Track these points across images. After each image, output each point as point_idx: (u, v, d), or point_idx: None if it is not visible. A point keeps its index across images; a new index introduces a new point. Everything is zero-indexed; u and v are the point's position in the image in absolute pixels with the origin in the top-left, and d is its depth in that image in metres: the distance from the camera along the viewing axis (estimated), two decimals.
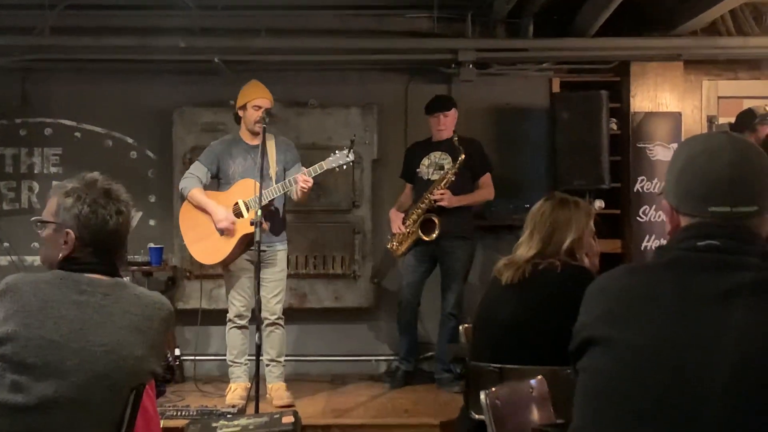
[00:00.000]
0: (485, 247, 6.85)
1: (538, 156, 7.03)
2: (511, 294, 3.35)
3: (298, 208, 6.38)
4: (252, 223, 5.29)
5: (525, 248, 3.44)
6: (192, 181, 5.80)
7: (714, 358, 1.75)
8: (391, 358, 6.79)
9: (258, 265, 5.19)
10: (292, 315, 6.38)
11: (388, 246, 6.35)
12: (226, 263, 5.80)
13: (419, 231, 6.13)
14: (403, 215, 6.25)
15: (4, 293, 2.49)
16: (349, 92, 7.00)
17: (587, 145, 6.55)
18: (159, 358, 2.60)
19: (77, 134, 7.08)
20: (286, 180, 5.68)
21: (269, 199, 5.60)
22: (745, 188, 1.87)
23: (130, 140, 7.11)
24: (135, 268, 6.54)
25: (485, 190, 6.36)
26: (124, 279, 2.65)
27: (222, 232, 5.70)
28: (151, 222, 7.04)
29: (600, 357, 1.88)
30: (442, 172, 6.22)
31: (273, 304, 5.82)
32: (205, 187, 5.82)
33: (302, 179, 5.56)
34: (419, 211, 6.14)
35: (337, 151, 5.64)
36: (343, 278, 6.90)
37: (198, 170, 5.85)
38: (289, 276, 6.16)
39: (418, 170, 6.32)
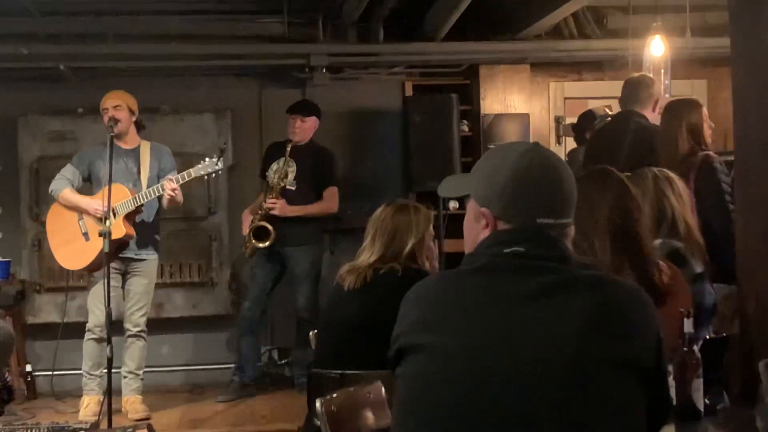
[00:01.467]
0: (341, 250, 6.89)
1: (393, 158, 7.12)
2: (352, 298, 3.39)
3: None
4: (101, 234, 5.20)
5: (367, 254, 3.49)
6: (61, 182, 5.73)
7: (522, 357, 1.82)
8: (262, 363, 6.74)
9: (108, 276, 5.11)
10: (148, 325, 6.29)
11: (242, 249, 6.36)
12: (90, 269, 5.70)
13: (252, 238, 6.13)
14: (251, 216, 6.23)
15: None
16: (203, 98, 6.94)
17: (439, 147, 6.66)
18: None
19: None
20: (153, 187, 5.61)
21: (135, 205, 5.52)
22: (569, 202, 1.96)
23: None
24: None
25: (326, 203, 6.37)
26: None
27: (87, 236, 5.60)
28: None
29: (415, 363, 1.92)
30: (285, 180, 6.22)
31: (137, 317, 5.74)
32: (78, 191, 5.74)
33: (170, 187, 5.51)
34: (257, 217, 6.14)
35: (207, 159, 5.61)
36: (200, 286, 6.84)
37: (69, 172, 5.78)
38: None
39: (267, 174, 6.29)
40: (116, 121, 5.60)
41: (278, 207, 6.11)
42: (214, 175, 5.70)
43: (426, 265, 3.53)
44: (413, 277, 3.28)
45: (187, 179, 5.60)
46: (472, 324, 1.88)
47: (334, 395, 2.70)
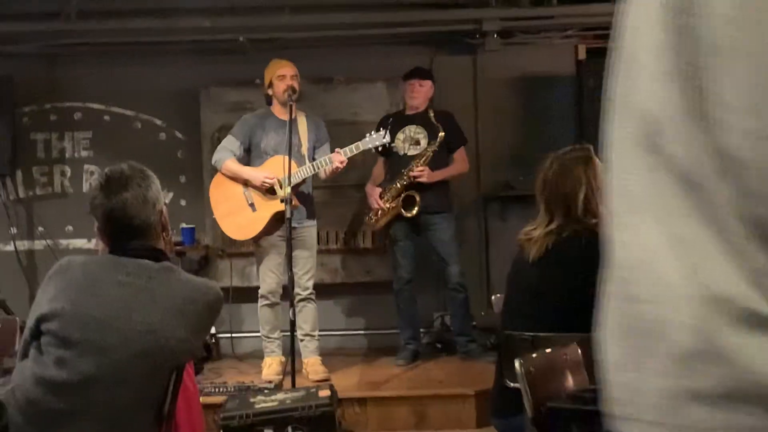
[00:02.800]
0: (514, 216, 6.88)
1: (566, 125, 7.01)
2: (537, 264, 3.34)
3: (327, 184, 6.44)
4: (282, 201, 5.35)
5: (542, 220, 3.39)
6: (225, 154, 5.87)
7: None
8: (422, 330, 6.80)
9: (290, 243, 5.25)
10: (324, 290, 6.45)
11: (366, 220, 6.39)
12: (256, 240, 5.86)
13: (401, 208, 6.13)
14: (380, 190, 6.22)
15: (57, 272, 2.57)
16: (375, 67, 7.01)
17: None
18: (201, 341, 2.66)
19: (106, 117, 7.17)
20: (321, 159, 5.72)
21: (303, 177, 5.65)
22: None
23: (158, 122, 7.19)
24: None
25: (460, 163, 6.34)
26: (172, 264, 2.68)
27: (254, 207, 5.75)
28: (182, 202, 7.12)
29: None
30: (418, 147, 6.20)
31: (305, 281, 5.87)
32: (238, 159, 5.88)
33: (339, 159, 5.60)
34: (398, 187, 6.11)
35: (373, 132, 5.67)
36: (373, 252, 6.94)
37: (231, 143, 5.91)
38: (319, 252, 6.21)
39: (393, 144, 6.18)
40: (294, 90, 5.73)
41: (426, 174, 6.09)
42: (381, 148, 5.74)
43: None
44: (593, 239, 3.24)
45: (355, 152, 5.67)
46: None
47: (533, 356, 2.71)
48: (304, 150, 5.85)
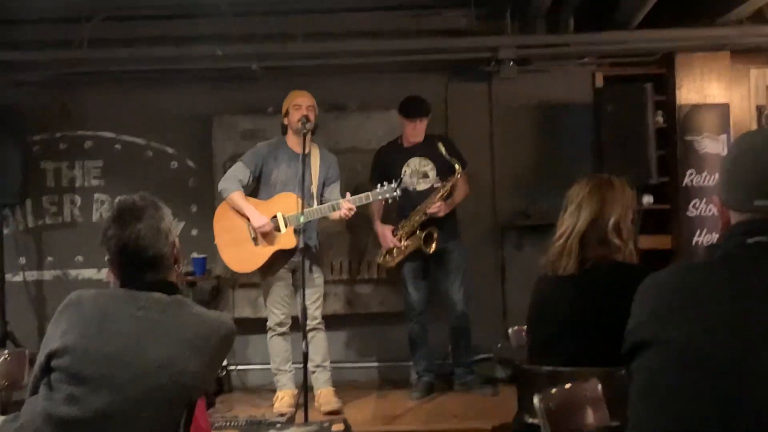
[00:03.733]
0: (529, 246, 6.87)
1: (583, 152, 7.00)
2: (567, 287, 3.28)
3: None
4: (296, 230, 5.37)
5: (569, 226, 3.37)
6: (233, 183, 5.87)
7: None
8: (439, 362, 6.75)
9: (303, 275, 5.26)
10: (336, 321, 6.44)
11: (379, 261, 6.36)
12: (260, 272, 5.90)
13: (422, 245, 6.11)
14: (391, 228, 6.21)
15: (67, 306, 2.56)
16: (389, 94, 6.98)
17: (633, 139, 6.48)
18: (213, 375, 2.64)
19: (117, 146, 7.20)
20: (329, 204, 5.71)
21: (310, 219, 5.66)
22: None
23: (170, 150, 7.21)
24: None
25: (464, 187, 6.31)
26: (184, 297, 2.68)
27: (256, 241, 5.76)
28: (194, 232, 7.10)
29: (654, 356, 1.90)
30: (428, 179, 6.21)
31: (313, 310, 5.86)
32: (245, 188, 5.89)
33: (347, 207, 5.62)
34: (413, 224, 6.12)
35: (386, 183, 5.67)
36: (388, 283, 6.91)
37: (240, 172, 5.91)
38: (333, 281, 6.20)
39: (401, 179, 6.10)
40: (308, 120, 5.74)
41: (443, 208, 6.12)
42: (390, 200, 5.75)
43: (629, 246, 3.40)
44: (632, 268, 3.23)
45: (364, 202, 5.72)
46: (715, 318, 1.85)
47: (552, 392, 2.68)
48: (314, 187, 5.87)
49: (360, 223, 6.75)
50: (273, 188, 5.87)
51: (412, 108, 6.26)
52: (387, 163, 6.30)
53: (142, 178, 6.89)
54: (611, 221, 3.29)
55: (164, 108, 7.11)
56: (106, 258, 2.65)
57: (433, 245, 6.09)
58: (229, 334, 2.65)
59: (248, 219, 5.80)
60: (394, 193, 5.67)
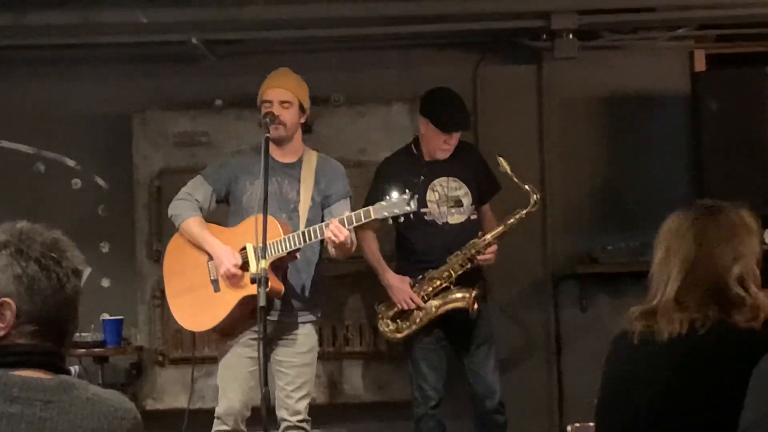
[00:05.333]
0: (600, 304, 6.81)
1: (676, 166, 7.01)
2: (661, 357, 3.26)
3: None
4: (252, 280, 5.27)
5: (661, 276, 3.36)
6: (187, 206, 5.80)
7: None
8: None
9: (265, 343, 5.16)
10: (316, 413, 6.35)
11: (380, 327, 6.30)
12: (220, 332, 5.81)
13: (471, 306, 6.06)
14: (409, 280, 6.17)
15: None
16: (392, 81, 7.00)
17: (747, 144, 6.51)
18: None
19: None
20: (316, 226, 5.60)
21: (287, 250, 5.59)
22: None
23: (70, 163, 7.15)
24: (83, 351, 6.52)
25: (494, 221, 6.31)
26: (71, 374, 2.60)
27: (217, 286, 5.70)
28: (105, 282, 7.05)
29: None
30: (461, 210, 6.22)
31: (294, 401, 5.76)
32: (209, 214, 5.84)
33: (334, 226, 5.50)
34: (447, 274, 6.11)
35: (394, 195, 5.58)
36: (389, 359, 6.87)
37: (198, 190, 5.84)
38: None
39: (424, 209, 6.15)
40: (277, 121, 5.66)
41: (493, 255, 6.11)
42: (402, 218, 5.67)
43: (759, 300, 3.37)
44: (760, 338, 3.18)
45: (363, 221, 5.57)
46: None
47: None
48: (303, 207, 5.80)
49: (345, 267, 6.68)
50: (247, 212, 5.78)
51: (450, 117, 6.24)
52: (396, 181, 6.23)
53: (30, 203, 6.82)
54: (733, 277, 3.26)
55: (63, 102, 7.09)
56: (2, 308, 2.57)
57: (476, 306, 6.07)
58: (136, 428, 2.58)
59: (209, 255, 5.75)
60: (407, 208, 5.50)
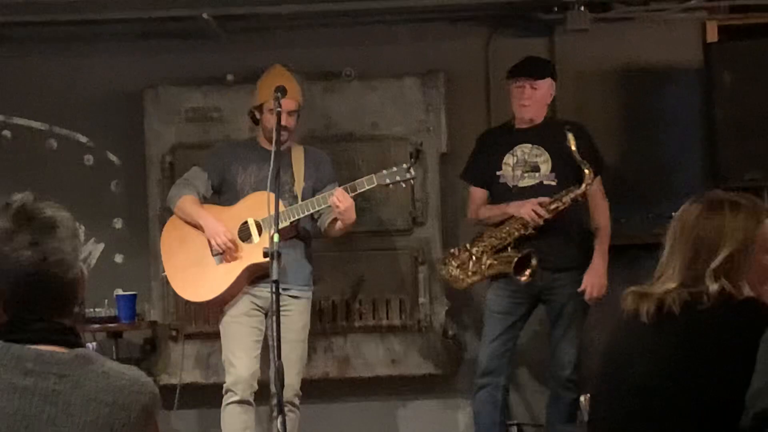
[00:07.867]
0: (612, 275, 6.79)
1: (688, 136, 7.00)
2: (649, 339, 3.28)
3: None
4: (265, 253, 5.29)
5: (666, 275, 3.37)
6: (184, 189, 5.92)
7: None
8: None
9: (278, 317, 5.18)
10: (327, 388, 6.36)
11: (442, 272, 6.34)
12: (220, 303, 5.87)
13: (512, 269, 6.05)
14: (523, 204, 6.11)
15: None
16: (403, 55, 7.01)
17: (762, 119, 6.48)
18: None
19: (6, 133, 7.16)
20: (319, 197, 5.75)
21: (292, 219, 5.64)
22: None
23: (82, 139, 7.17)
24: (97, 326, 6.55)
25: (603, 203, 6.30)
26: (88, 349, 2.60)
27: (220, 258, 5.79)
28: (118, 258, 7.08)
29: None
30: (536, 175, 6.20)
31: (293, 375, 5.80)
32: (205, 201, 5.93)
33: (339, 194, 5.61)
34: (504, 235, 6.11)
35: (396, 164, 5.65)
36: (402, 332, 6.86)
37: (196, 177, 5.98)
38: (319, 333, 6.16)
39: (499, 172, 6.22)
40: (285, 129, 5.71)
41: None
42: (404, 184, 5.72)
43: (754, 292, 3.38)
44: (743, 313, 3.18)
45: (366, 187, 5.71)
46: None
47: None
48: (298, 189, 5.91)
49: (358, 244, 6.69)
50: (242, 194, 5.96)
51: (517, 65, 6.28)
52: (487, 150, 6.34)
53: (42, 180, 6.83)
54: (713, 265, 3.28)
55: (74, 78, 7.10)
56: None
57: (527, 273, 6.05)
58: (153, 401, 2.59)
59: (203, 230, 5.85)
60: (407, 175, 5.70)
